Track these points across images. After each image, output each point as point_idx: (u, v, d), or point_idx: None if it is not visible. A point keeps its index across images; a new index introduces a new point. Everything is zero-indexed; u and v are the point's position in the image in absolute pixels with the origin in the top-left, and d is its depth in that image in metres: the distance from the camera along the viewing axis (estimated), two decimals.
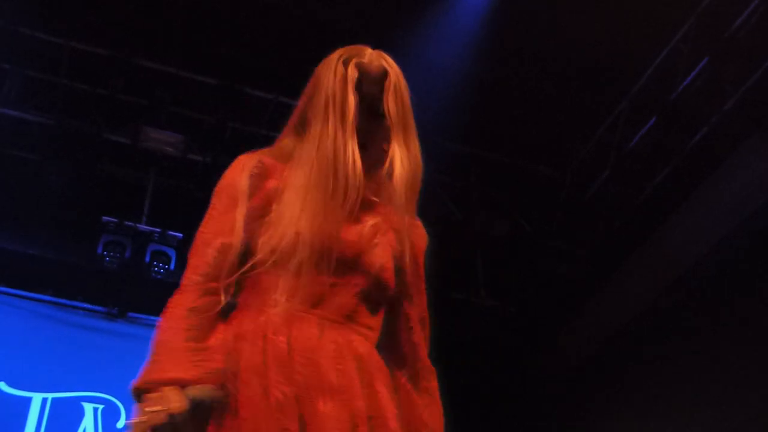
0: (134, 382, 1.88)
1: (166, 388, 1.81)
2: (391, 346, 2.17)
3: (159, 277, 6.55)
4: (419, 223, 2.17)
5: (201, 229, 2.05)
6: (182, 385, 1.84)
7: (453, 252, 7.36)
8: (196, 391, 1.84)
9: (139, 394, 1.86)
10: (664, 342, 6.66)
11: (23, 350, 6.28)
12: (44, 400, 6.13)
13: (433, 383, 2.23)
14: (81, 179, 6.66)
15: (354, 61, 2.10)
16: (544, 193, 7.31)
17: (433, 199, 7.13)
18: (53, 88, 6.55)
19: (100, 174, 6.81)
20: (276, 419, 1.83)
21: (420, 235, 2.19)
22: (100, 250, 6.34)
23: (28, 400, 6.13)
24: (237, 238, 2.00)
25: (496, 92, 6.73)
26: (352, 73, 2.08)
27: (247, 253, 2.01)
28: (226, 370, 1.90)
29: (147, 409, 1.80)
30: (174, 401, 1.79)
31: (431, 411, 2.18)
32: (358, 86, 2.06)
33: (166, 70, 6.71)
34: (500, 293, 7.54)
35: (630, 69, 6.39)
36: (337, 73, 2.08)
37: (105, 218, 6.45)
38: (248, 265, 2.00)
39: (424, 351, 2.23)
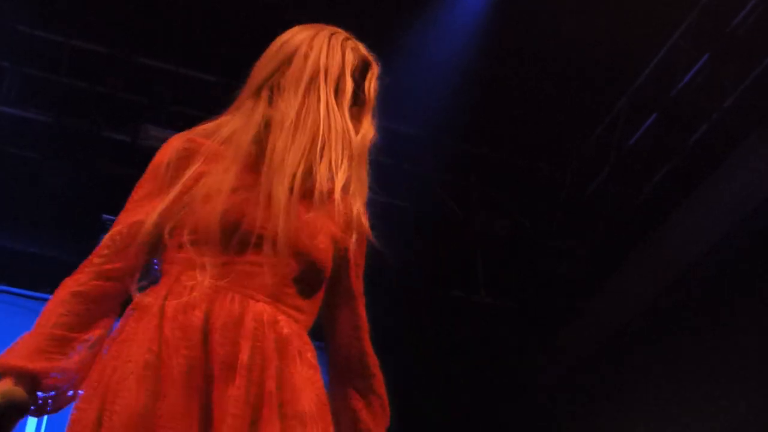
0: None
1: None
2: (333, 336, 2.14)
3: (159, 275, 6.53)
4: (364, 210, 2.12)
5: (122, 211, 2.02)
6: (24, 374, 1.80)
7: (453, 251, 7.36)
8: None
9: None
10: (664, 341, 6.65)
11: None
12: None
13: (378, 378, 2.14)
14: (80, 178, 6.66)
15: (350, 45, 2.13)
16: (544, 192, 7.30)
17: (434, 198, 7.13)
18: (52, 87, 6.55)
19: (99, 172, 6.81)
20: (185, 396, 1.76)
21: (363, 224, 2.13)
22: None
23: None
24: (151, 219, 1.95)
25: (496, 91, 6.72)
26: (352, 58, 2.11)
27: (169, 234, 1.96)
28: (82, 368, 1.85)
29: None
30: None
31: (373, 411, 2.11)
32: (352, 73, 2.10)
33: (165, 68, 6.70)
34: (501, 292, 7.53)
35: (630, 66, 6.39)
36: (334, 52, 2.09)
37: (105, 216, 6.44)
38: (168, 244, 1.95)
39: (369, 344, 2.16)
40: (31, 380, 1.80)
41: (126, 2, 6.45)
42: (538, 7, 6.25)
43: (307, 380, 1.88)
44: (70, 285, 1.92)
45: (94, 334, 1.89)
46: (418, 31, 6.40)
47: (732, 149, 5.99)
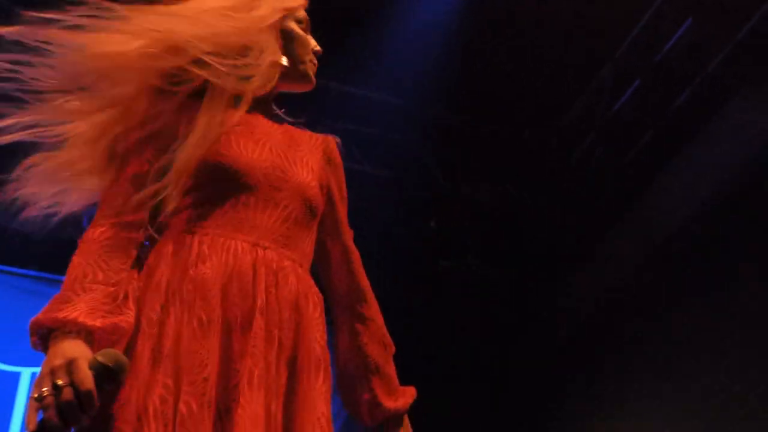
0: (36, 318, 1.71)
1: (75, 358, 1.63)
2: (328, 274, 2.20)
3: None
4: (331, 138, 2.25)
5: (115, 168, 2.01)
6: (91, 333, 1.70)
7: (441, 221, 7.35)
8: (104, 358, 1.62)
9: (39, 333, 1.70)
10: (656, 308, 6.65)
11: (11, 325, 6.26)
12: (33, 375, 6.11)
13: (374, 308, 2.20)
14: None
15: None
16: (531, 159, 7.28)
17: (419, 168, 7.11)
18: None
19: None
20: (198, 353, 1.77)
21: (335, 151, 2.23)
22: (85, 223, 6.26)
23: (18, 374, 6.13)
24: (150, 170, 1.95)
25: (479, 59, 6.69)
26: None
27: (167, 184, 1.96)
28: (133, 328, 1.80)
29: (50, 382, 1.59)
30: (82, 373, 1.61)
31: (373, 338, 2.17)
32: None
33: None
34: (490, 261, 7.53)
35: (614, 32, 6.36)
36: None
37: None
38: (167, 195, 1.94)
39: (364, 276, 2.22)
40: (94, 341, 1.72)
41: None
42: None
43: (315, 322, 1.94)
44: (99, 238, 1.89)
45: (128, 290, 1.83)
46: (399, 1, 6.35)
47: (715, 114, 5.97)
